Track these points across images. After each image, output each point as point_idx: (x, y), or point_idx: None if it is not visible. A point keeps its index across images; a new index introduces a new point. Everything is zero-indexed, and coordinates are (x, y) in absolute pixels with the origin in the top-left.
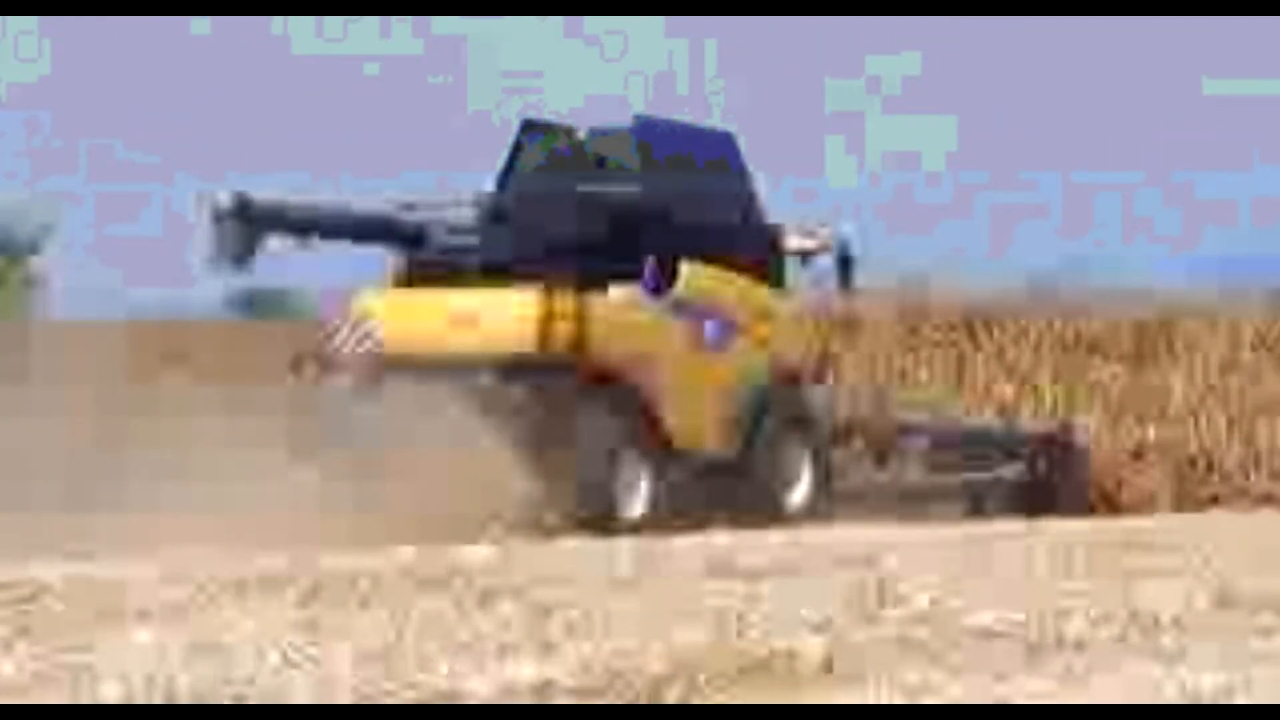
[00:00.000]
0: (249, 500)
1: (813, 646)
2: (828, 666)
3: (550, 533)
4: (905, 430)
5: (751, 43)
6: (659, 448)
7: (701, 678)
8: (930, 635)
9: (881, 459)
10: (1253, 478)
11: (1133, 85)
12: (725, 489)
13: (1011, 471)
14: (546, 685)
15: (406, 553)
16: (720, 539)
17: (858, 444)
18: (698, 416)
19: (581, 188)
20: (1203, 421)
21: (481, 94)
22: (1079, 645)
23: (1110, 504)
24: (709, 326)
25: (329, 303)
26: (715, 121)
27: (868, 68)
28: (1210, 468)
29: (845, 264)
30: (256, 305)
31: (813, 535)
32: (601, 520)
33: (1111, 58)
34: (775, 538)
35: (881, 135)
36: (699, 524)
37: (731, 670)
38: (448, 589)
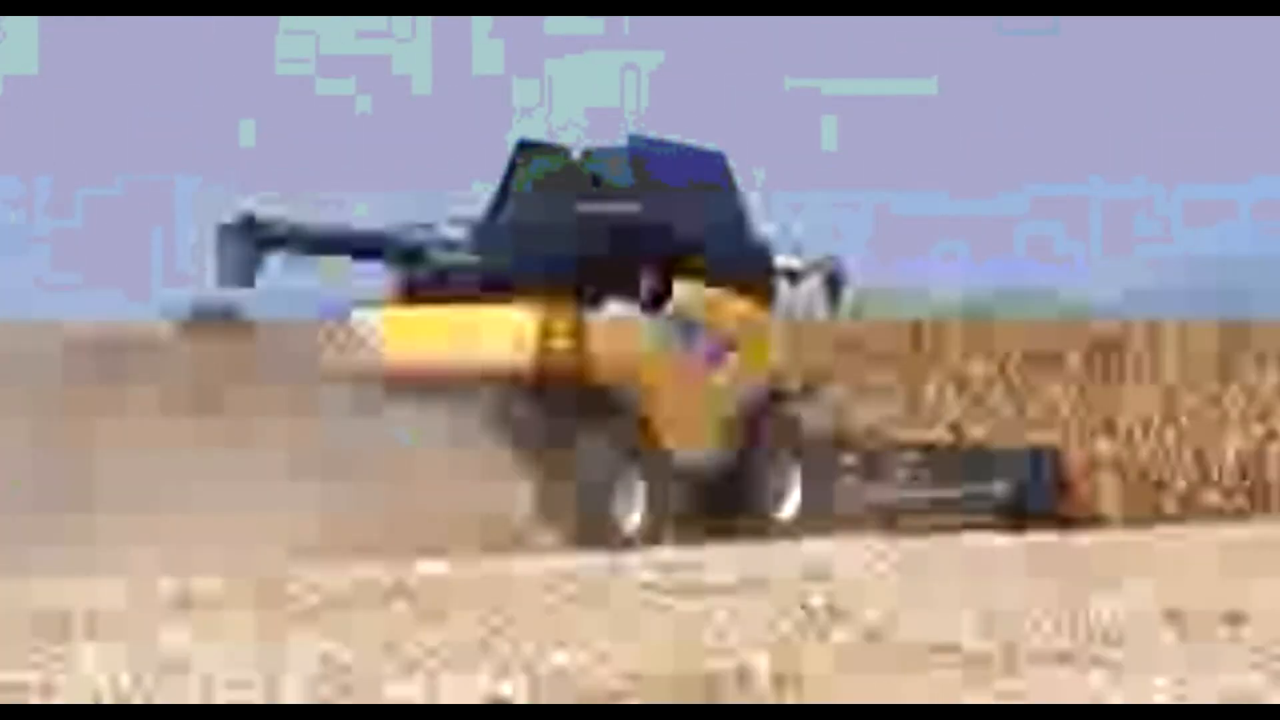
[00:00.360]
0: (237, 508)
1: (763, 663)
2: (778, 683)
3: (547, 546)
4: (897, 444)
5: (752, 46)
6: (655, 462)
7: (652, 694)
8: (881, 651)
9: (874, 472)
10: (1204, 494)
11: (1090, 100)
12: (719, 502)
13: (1004, 485)
14: (497, 701)
15: (363, 567)
16: (677, 554)
17: (850, 458)
18: (692, 430)
19: (577, 206)
20: (1154, 437)
21: (480, 111)
22: (1030, 659)
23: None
24: (703, 342)
25: (327, 317)
26: (710, 136)
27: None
28: (1161, 483)
29: (834, 284)
30: (227, 314)
31: (774, 550)
32: (599, 532)
33: (1101, 66)
34: (735, 553)
35: (867, 148)
36: (687, 537)
37: (682, 686)
38: (400, 605)
